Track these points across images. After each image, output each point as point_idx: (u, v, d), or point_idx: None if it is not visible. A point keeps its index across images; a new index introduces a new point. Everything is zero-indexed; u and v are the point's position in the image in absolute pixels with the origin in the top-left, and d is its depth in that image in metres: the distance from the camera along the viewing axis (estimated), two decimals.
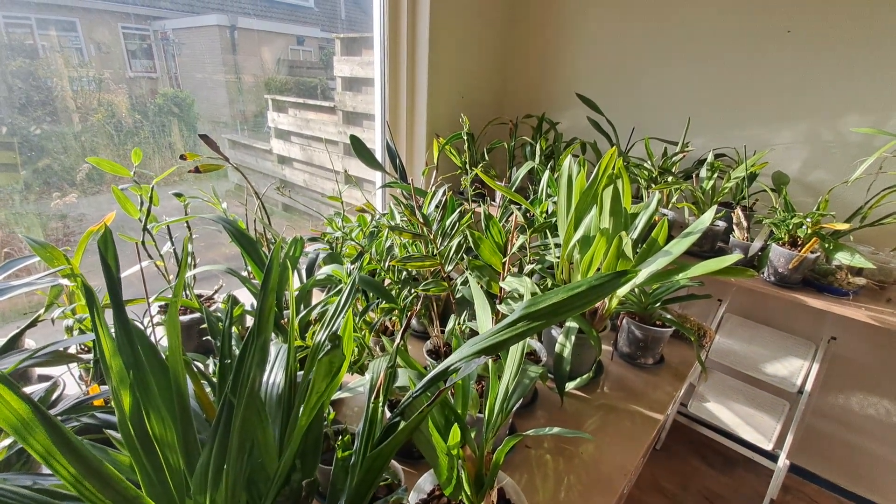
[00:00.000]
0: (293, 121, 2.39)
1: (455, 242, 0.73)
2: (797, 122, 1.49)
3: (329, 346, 0.36)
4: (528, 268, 0.85)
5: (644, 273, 0.79)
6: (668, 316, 1.09)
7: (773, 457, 1.54)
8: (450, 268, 0.74)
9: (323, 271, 0.74)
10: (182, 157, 0.88)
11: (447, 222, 0.73)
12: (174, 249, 1.01)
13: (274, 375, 0.49)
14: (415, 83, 1.82)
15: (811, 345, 1.57)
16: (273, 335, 0.87)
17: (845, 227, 1.13)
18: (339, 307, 0.46)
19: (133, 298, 0.88)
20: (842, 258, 1.14)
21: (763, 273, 1.27)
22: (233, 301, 0.65)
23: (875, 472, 1.63)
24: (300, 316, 0.76)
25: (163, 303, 0.96)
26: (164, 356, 0.41)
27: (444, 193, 1.05)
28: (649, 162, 1.39)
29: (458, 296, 0.77)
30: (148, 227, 0.96)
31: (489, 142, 1.84)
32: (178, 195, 1.04)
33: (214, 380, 0.67)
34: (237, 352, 0.46)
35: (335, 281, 0.78)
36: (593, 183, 0.91)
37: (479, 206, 1.74)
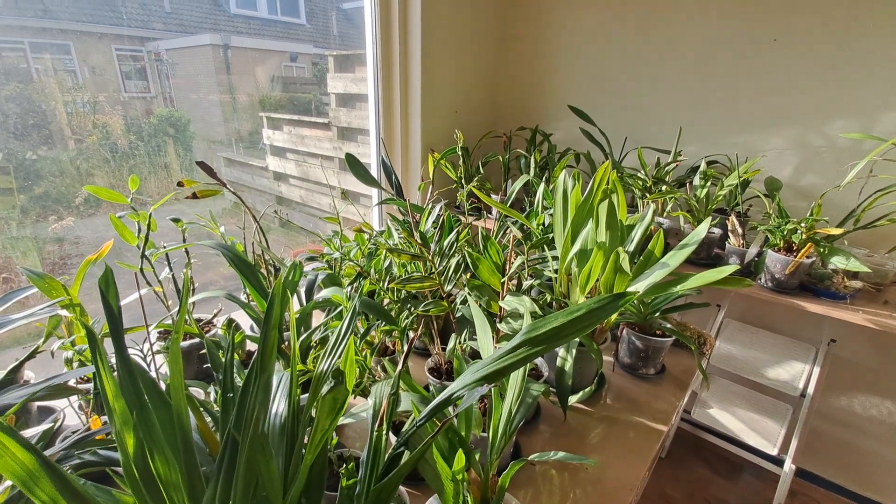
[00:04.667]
0: (288, 137, 2.40)
1: (454, 262, 0.74)
2: (787, 127, 1.51)
3: (332, 383, 0.36)
4: (526, 283, 0.85)
5: (642, 285, 0.80)
6: (668, 325, 1.10)
7: (778, 461, 1.54)
8: (449, 287, 0.74)
9: (322, 294, 0.74)
10: (179, 184, 0.88)
11: (445, 242, 0.74)
12: (173, 275, 1.01)
13: (277, 405, 0.49)
14: (408, 99, 1.84)
15: (811, 348, 1.57)
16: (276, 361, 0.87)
17: (839, 231, 1.14)
18: (341, 336, 0.47)
19: (132, 327, 0.87)
20: (837, 262, 1.15)
21: (760, 279, 1.27)
22: (233, 329, 0.65)
23: (880, 473, 1.62)
24: (301, 339, 0.76)
25: (162, 329, 0.95)
26: (166, 393, 0.41)
27: (441, 210, 1.06)
28: (643, 172, 1.40)
29: (458, 315, 0.78)
30: (146, 253, 0.96)
31: (484, 155, 1.86)
32: (176, 220, 1.04)
33: (216, 407, 0.67)
34: (239, 382, 0.46)
35: (335, 303, 0.78)
36: (588, 197, 0.92)
37: (476, 219, 1.75)
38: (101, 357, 0.37)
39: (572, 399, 0.96)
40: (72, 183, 1.49)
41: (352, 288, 0.91)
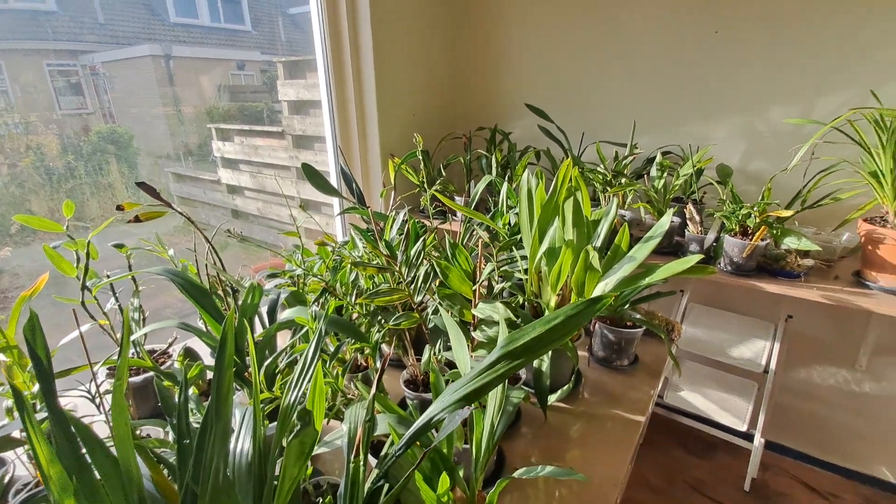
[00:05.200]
0: (240, 148, 2.31)
1: (423, 271, 0.71)
2: (733, 116, 1.57)
3: (299, 426, 0.33)
4: (497, 286, 0.84)
5: (612, 280, 0.80)
6: (638, 316, 1.11)
7: (748, 437, 1.60)
8: (419, 297, 0.72)
9: (285, 315, 0.70)
10: (119, 208, 0.82)
11: (412, 252, 0.71)
12: (119, 306, 0.94)
13: (241, 443, 0.45)
14: (363, 104, 1.80)
15: (770, 325, 1.64)
16: (237, 387, 0.81)
17: (789, 213, 1.19)
18: (307, 363, 0.43)
19: (75, 367, 0.80)
20: (790, 243, 1.20)
21: (720, 264, 1.32)
22: (185, 365, 0.60)
23: (842, 439, 1.71)
24: (266, 364, 0.71)
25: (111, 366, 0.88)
26: (112, 447, 0.37)
27: (405, 217, 1.03)
28: (602, 166, 1.42)
29: (430, 325, 0.75)
30: (88, 284, 0.89)
31: (445, 157, 1.84)
32: (119, 246, 0.97)
33: (174, 451, 0.61)
34: (197, 424, 0.42)
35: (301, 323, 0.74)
36: (553, 195, 0.91)
37: (442, 223, 1.73)
38: (29, 419, 0.32)
39: (551, 399, 0.96)
40: (7, 211, 1.38)
41: (318, 305, 0.87)
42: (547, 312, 0.92)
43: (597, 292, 0.82)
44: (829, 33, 1.37)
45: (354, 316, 0.88)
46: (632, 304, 1.12)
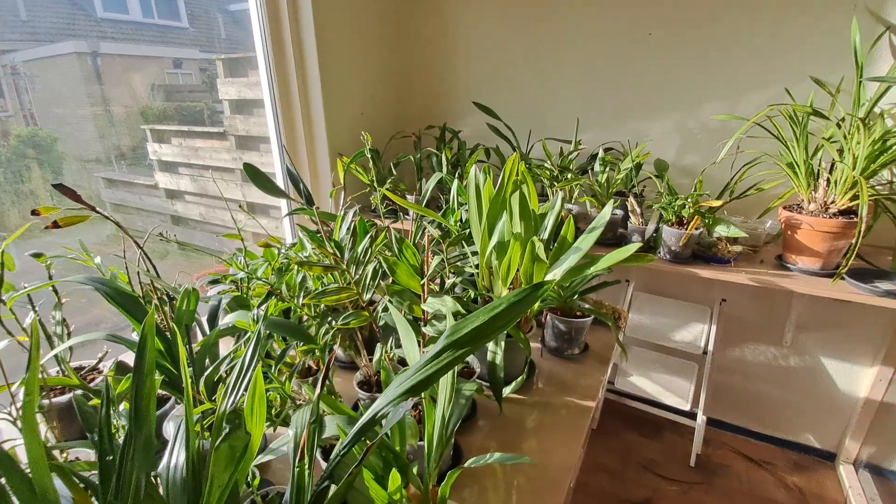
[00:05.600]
0: (179, 150, 2.19)
1: (370, 269, 0.70)
2: (667, 113, 1.66)
3: (227, 428, 0.31)
4: (449, 281, 0.84)
5: (560, 271, 0.82)
6: (587, 305, 1.15)
7: (692, 415, 1.69)
8: (368, 295, 0.70)
9: (225, 321, 0.66)
10: (34, 213, 0.75)
11: (359, 249, 0.70)
12: (39, 320, 0.86)
13: (175, 457, 0.42)
14: (309, 103, 1.75)
15: (707, 309, 1.75)
16: (177, 401, 0.77)
17: (718, 203, 1.28)
18: (245, 367, 0.41)
19: None
20: (720, 231, 1.28)
21: (660, 252, 1.39)
22: (106, 384, 0.56)
23: (774, 411, 1.85)
24: (206, 373, 0.67)
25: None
26: (27, 469, 0.33)
27: (353, 216, 1.01)
28: (549, 162, 1.46)
29: (381, 323, 0.74)
30: (4, 297, 0.81)
31: (395, 156, 1.83)
32: (38, 255, 0.89)
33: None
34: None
35: (244, 329, 0.71)
36: (501, 189, 0.92)
37: (394, 222, 1.71)
38: None
39: (506, 391, 0.97)
40: None
41: (262, 309, 0.84)
42: None
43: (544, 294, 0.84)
44: (751, 36, 1.48)
45: (305, 319, 0.86)
46: (580, 294, 1.15)
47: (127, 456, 0.29)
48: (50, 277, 0.91)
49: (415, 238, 1.24)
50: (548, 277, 0.82)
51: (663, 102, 1.65)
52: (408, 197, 1.75)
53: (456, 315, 0.61)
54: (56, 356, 0.85)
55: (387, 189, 1.67)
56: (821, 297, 1.27)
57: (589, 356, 1.16)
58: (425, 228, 1.33)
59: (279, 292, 0.77)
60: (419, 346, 0.64)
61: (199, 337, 0.91)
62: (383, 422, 0.35)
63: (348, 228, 0.99)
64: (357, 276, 0.68)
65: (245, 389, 0.41)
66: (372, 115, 1.93)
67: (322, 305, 0.72)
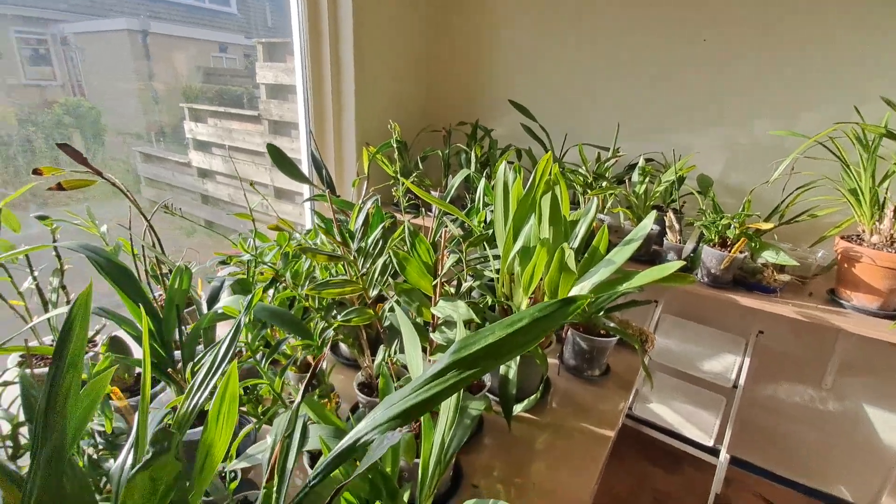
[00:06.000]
0: (214, 131, 2.21)
1: (380, 263, 0.64)
2: (716, 126, 1.55)
3: (150, 453, 0.25)
4: (465, 284, 0.77)
5: (588, 284, 0.74)
6: (612, 324, 1.06)
7: (714, 452, 1.57)
8: (375, 291, 0.64)
9: (218, 306, 0.61)
10: (36, 172, 0.71)
11: (369, 240, 0.64)
12: (37, 285, 0.83)
13: (127, 459, 0.36)
14: (341, 90, 1.71)
15: (742, 340, 1.63)
16: (166, 385, 0.72)
17: (769, 226, 1.17)
18: (216, 362, 0.35)
19: None
20: (767, 256, 1.17)
21: (697, 274, 1.28)
22: (55, 366, 0.51)
23: (805, 456, 1.71)
24: (196, 359, 0.62)
25: (22, 353, 0.77)
26: None
27: (371, 207, 0.95)
28: (584, 168, 1.37)
29: (386, 323, 0.67)
30: None
31: (423, 150, 1.77)
32: (43, 218, 0.86)
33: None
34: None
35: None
36: (531, 190, 0.85)
37: (415, 217, 1.65)
38: None
39: (517, 409, 0.89)
40: None
41: (267, 296, 0.78)
42: None
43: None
44: (816, 48, 1.36)
45: (309, 310, 0.80)
46: (606, 311, 1.07)
47: (31, 474, 0.24)
48: (54, 240, 0.88)
49: (434, 236, 1.18)
50: (574, 290, 0.75)
51: (713, 114, 1.53)
52: (432, 193, 1.69)
53: (468, 324, 0.54)
54: (49, 324, 0.82)
55: (410, 182, 1.61)
56: (873, 340, 1.15)
57: (610, 379, 1.08)
58: (446, 227, 1.26)
59: (283, 279, 0.72)
60: (425, 353, 0.57)
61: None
62: (368, 451, 0.28)
63: (365, 219, 0.94)
64: (364, 270, 0.62)
65: (215, 385, 0.35)
66: (403, 106, 1.88)
67: (329, 298, 0.66)
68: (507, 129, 1.90)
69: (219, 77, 2.11)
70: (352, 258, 0.61)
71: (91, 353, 0.86)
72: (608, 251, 0.80)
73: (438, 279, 0.58)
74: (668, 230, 1.34)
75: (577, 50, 1.71)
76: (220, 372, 0.35)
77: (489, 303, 0.84)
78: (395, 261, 0.60)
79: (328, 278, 0.59)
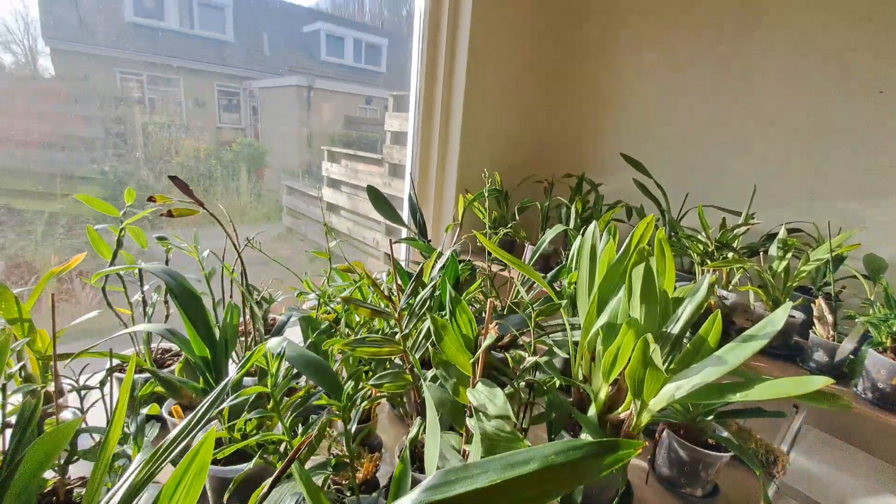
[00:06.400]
0: (344, 171, 2.46)
1: (426, 325, 0.57)
2: (892, 195, 1.23)
3: None
4: (529, 359, 0.67)
5: (686, 387, 0.58)
6: (725, 434, 0.84)
7: None
8: (418, 354, 0.57)
9: (270, 343, 0.59)
10: (150, 199, 0.80)
11: (417, 298, 0.58)
12: (143, 298, 0.92)
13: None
14: (448, 138, 1.74)
15: None
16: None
17: None
18: (189, 427, 0.31)
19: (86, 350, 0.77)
20: None
21: (857, 387, 0.98)
22: (28, 404, 0.52)
23: None
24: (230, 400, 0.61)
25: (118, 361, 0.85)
26: None
27: (449, 256, 0.90)
28: (704, 234, 1.17)
29: (424, 394, 0.60)
30: (120, 272, 0.88)
31: (521, 200, 1.70)
32: (162, 239, 0.96)
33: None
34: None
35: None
36: (624, 257, 0.73)
37: (503, 269, 1.57)
38: None
39: None
40: (144, 196, 1.62)
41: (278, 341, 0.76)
42: (593, 407, 0.72)
43: (660, 398, 0.61)
44: None
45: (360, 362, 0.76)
46: (718, 415, 0.85)
47: None
48: (167, 262, 0.98)
49: (514, 295, 1.08)
50: (666, 391, 0.59)
51: (890, 182, 1.22)
52: (528, 246, 1.60)
53: (501, 421, 0.44)
54: (131, 337, 0.89)
55: (504, 230, 1.54)
56: None
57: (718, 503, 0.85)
58: (532, 285, 1.16)
59: (337, 325, 0.69)
60: (459, 445, 0.48)
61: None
62: None
63: (441, 268, 0.89)
64: (407, 331, 0.56)
65: (175, 461, 0.30)
66: (508, 156, 1.85)
67: (368, 356, 0.61)
68: (618, 186, 1.75)
69: (360, 125, 2.38)
70: (396, 316, 0.56)
71: (174, 365, 0.92)
72: (722, 343, 0.63)
73: (478, 355, 0.49)
74: (816, 321, 1.06)
75: (708, 101, 1.53)
76: (190, 438, 0.31)
77: (555, 384, 0.72)
78: (433, 327, 0.53)
79: (366, 335, 0.55)
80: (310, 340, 0.73)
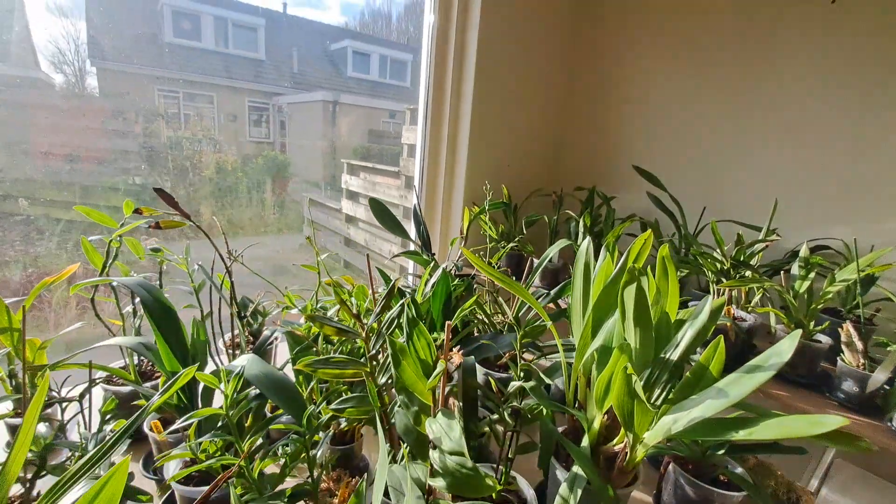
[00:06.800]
0: (362, 183, 2.48)
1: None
2: None
3: None
4: (514, 384, 0.62)
5: (682, 422, 0.52)
6: (739, 470, 0.77)
7: None
8: (384, 379, 0.54)
9: (237, 363, 0.56)
10: (137, 212, 0.79)
11: (386, 317, 0.54)
12: (134, 310, 0.92)
13: None
14: (455, 150, 1.71)
15: None
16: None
17: None
18: (96, 453, 0.28)
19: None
20: None
21: (891, 422, 0.88)
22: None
23: None
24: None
25: (104, 373, 0.84)
26: None
27: (441, 272, 0.86)
28: (719, 250, 1.10)
29: (393, 420, 0.55)
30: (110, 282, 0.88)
31: (528, 215, 1.65)
32: (156, 250, 0.96)
33: None
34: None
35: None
36: (619, 276, 0.67)
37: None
38: None
39: None
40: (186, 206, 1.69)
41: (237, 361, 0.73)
42: (586, 438, 0.66)
43: (656, 432, 0.55)
44: None
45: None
46: (733, 448, 0.78)
47: None
48: (160, 274, 0.98)
49: (517, 312, 1.03)
50: (661, 426, 0.54)
51: None
52: (533, 261, 1.55)
53: (453, 456, 0.39)
54: (121, 350, 0.89)
55: (511, 244, 1.50)
56: None
57: None
58: (540, 297, 1.11)
59: (315, 342, 0.66)
60: (426, 477, 0.44)
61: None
62: None
63: (434, 285, 0.85)
64: (374, 351, 0.52)
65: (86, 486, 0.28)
66: (517, 167, 1.81)
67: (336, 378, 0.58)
68: (631, 199, 1.69)
69: (383, 138, 2.41)
70: (363, 336, 0.52)
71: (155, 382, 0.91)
72: (727, 373, 0.57)
73: (436, 380, 0.45)
74: (844, 347, 0.97)
75: (730, 110, 1.46)
76: (100, 460, 0.28)
77: (543, 412, 0.66)
78: (391, 350, 0.49)
79: (330, 356, 0.51)
80: (289, 357, 0.71)
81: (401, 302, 0.54)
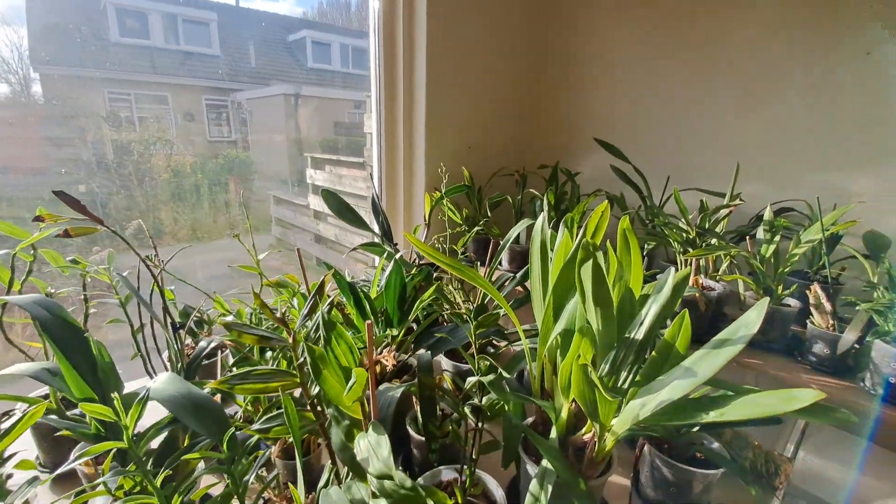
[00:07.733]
0: (328, 177, 2.41)
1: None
2: (889, 164, 1.12)
3: None
4: (471, 380, 0.56)
5: (650, 406, 0.48)
6: (715, 445, 0.74)
7: None
8: (316, 389, 0.47)
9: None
10: (37, 219, 0.70)
11: (314, 320, 0.47)
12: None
13: None
14: (412, 133, 1.64)
15: None
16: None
17: None
18: None
19: None
20: None
21: (864, 381, 0.87)
22: None
23: None
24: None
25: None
26: None
27: (393, 264, 0.80)
28: (684, 220, 1.07)
29: (333, 437, 0.49)
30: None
31: (491, 196, 1.60)
32: (75, 262, 0.86)
33: None
34: None
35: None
36: (578, 252, 0.62)
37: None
38: None
39: None
40: (132, 215, 1.53)
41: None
42: (554, 429, 0.61)
43: (623, 419, 0.50)
44: None
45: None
46: (706, 425, 0.75)
47: None
48: (84, 287, 0.88)
49: (481, 300, 0.98)
50: (627, 412, 0.49)
51: (885, 148, 1.12)
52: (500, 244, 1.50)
53: (383, 481, 0.33)
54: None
55: (477, 228, 1.44)
56: None
57: None
58: (503, 284, 1.06)
59: (250, 353, 0.59)
60: (369, 498, 0.38)
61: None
62: None
63: (387, 280, 0.79)
64: (302, 359, 0.46)
65: None
66: (479, 149, 1.75)
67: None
68: (596, 172, 1.65)
69: (348, 129, 2.33)
70: (290, 342, 0.46)
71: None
72: (702, 343, 0.53)
73: (359, 396, 0.38)
74: (813, 309, 0.95)
75: (686, 72, 1.43)
76: None
77: (511, 407, 0.61)
78: (309, 359, 0.42)
79: (253, 369, 0.44)
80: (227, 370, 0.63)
81: (329, 300, 0.47)
